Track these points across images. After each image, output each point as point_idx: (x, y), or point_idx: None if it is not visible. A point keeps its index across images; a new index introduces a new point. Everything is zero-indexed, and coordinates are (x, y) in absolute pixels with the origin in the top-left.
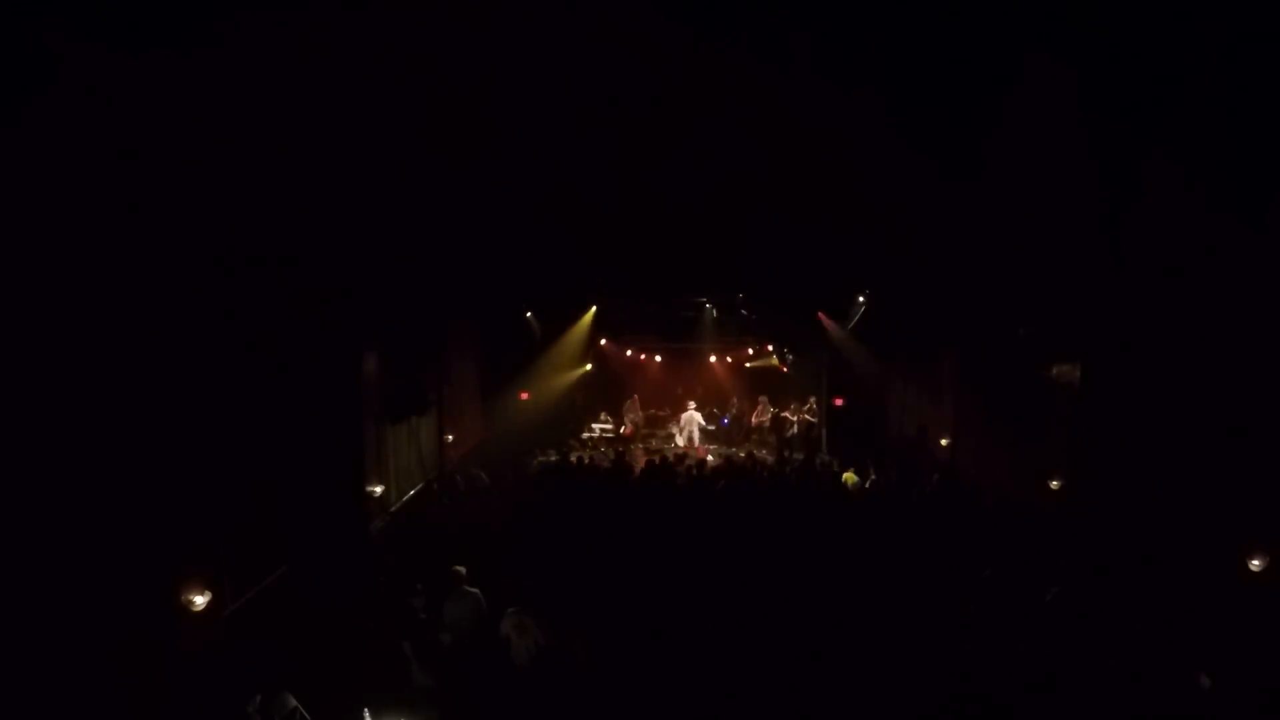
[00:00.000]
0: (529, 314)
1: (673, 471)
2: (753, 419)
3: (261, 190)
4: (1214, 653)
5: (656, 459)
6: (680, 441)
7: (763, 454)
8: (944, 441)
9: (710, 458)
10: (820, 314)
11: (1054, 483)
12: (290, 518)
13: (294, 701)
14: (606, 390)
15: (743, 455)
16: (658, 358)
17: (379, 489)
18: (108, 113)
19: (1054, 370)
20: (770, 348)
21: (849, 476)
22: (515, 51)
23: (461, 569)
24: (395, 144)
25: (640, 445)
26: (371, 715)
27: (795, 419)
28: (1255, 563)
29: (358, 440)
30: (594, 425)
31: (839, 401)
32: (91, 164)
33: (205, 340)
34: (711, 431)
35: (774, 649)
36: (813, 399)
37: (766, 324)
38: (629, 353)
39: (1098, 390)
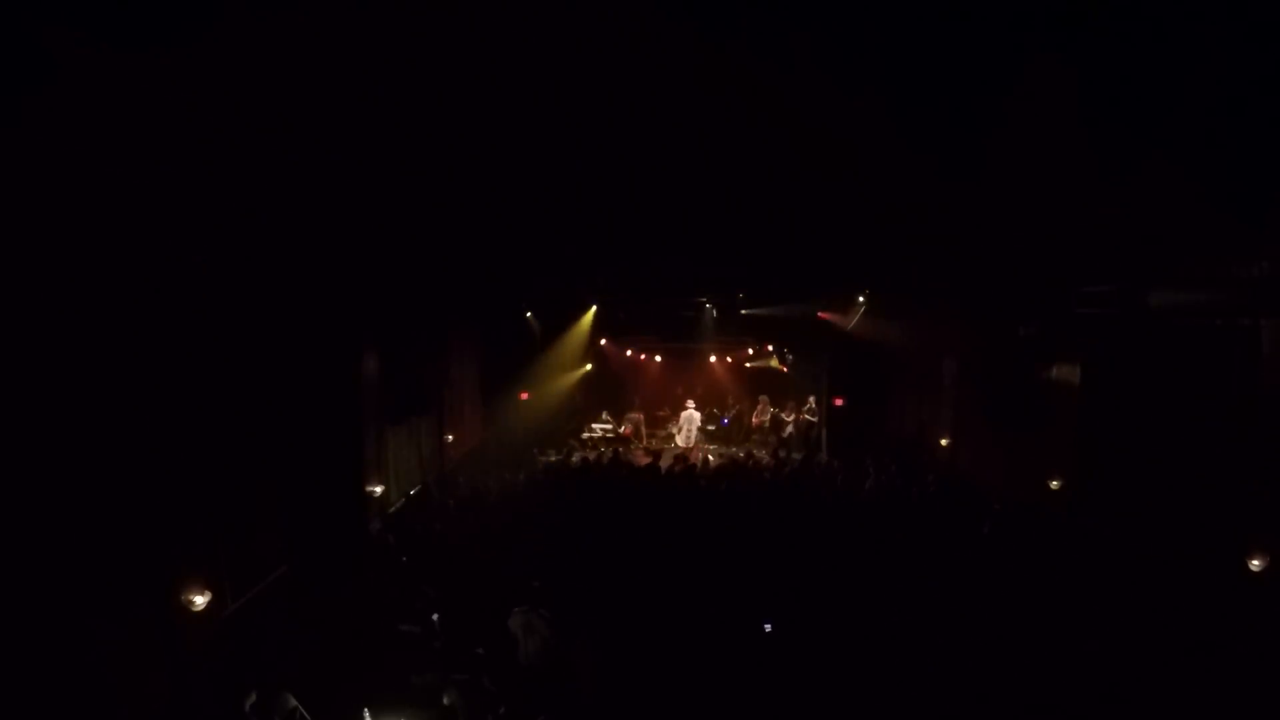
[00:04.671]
0: (529, 314)
1: (673, 472)
2: (753, 419)
3: (261, 190)
4: (1214, 652)
5: (658, 461)
6: (680, 441)
7: (762, 454)
8: (944, 441)
9: (710, 458)
10: (821, 314)
11: (1054, 483)
12: (290, 518)
13: (294, 701)
14: (606, 390)
15: (742, 455)
16: (658, 358)
17: (379, 489)
18: (108, 113)
19: (1054, 370)
20: (770, 348)
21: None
22: (515, 50)
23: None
24: (395, 143)
25: (640, 445)
26: (371, 715)
27: (794, 419)
28: (1255, 563)
29: (358, 440)
30: (594, 425)
31: (839, 401)
32: (92, 164)
33: (205, 340)
34: (711, 431)
35: (776, 648)
36: (812, 399)
37: (766, 324)
38: (629, 353)
39: (1098, 390)
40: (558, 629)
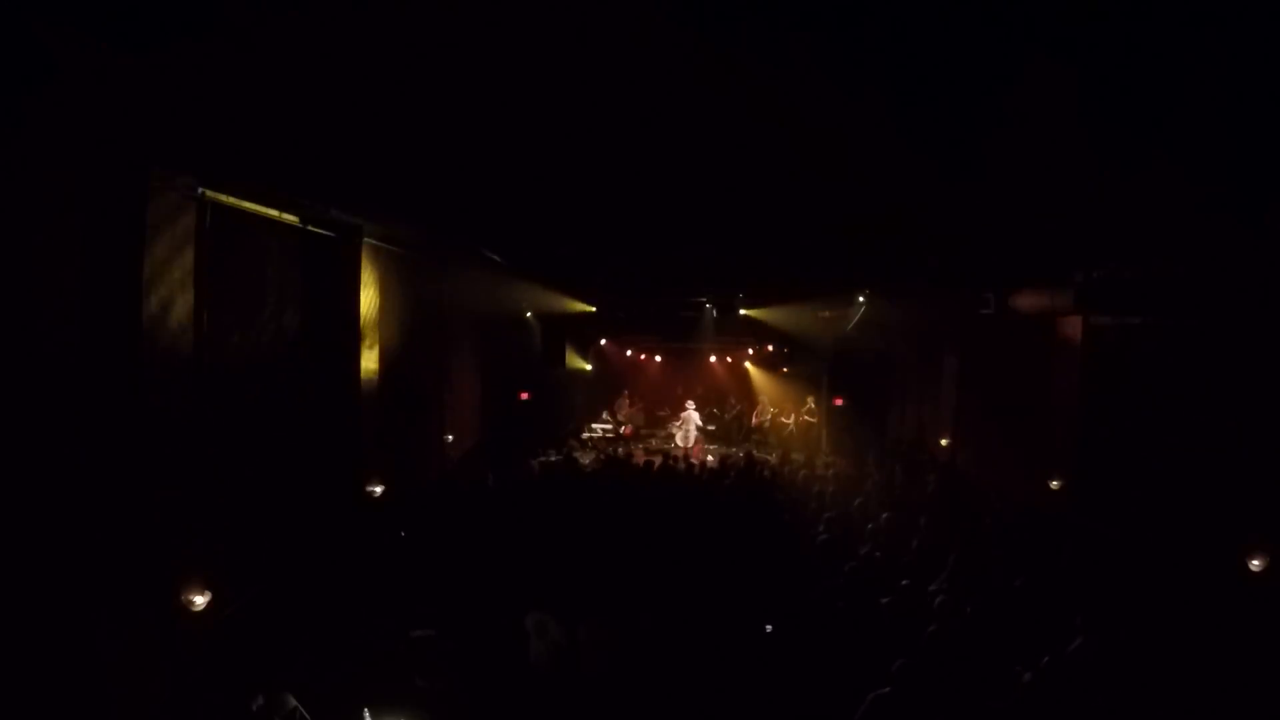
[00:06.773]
0: (529, 314)
1: (676, 472)
2: (753, 419)
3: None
4: (1214, 653)
5: (657, 460)
6: (680, 441)
7: (762, 454)
8: (944, 441)
9: (710, 458)
10: (821, 314)
11: (1054, 483)
12: (290, 518)
13: (294, 701)
14: (606, 390)
15: (742, 455)
16: (658, 358)
17: (379, 489)
18: (108, 112)
19: (1053, 368)
20: (770, 348)
21: None
22: (514, 48)
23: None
24: (395, 142)
25: (640, 445)
26: (371, 715)
27: (794, 419)
28: (1255, 563)
29: (358, 440)
30: (594, 425)
31: (839, 401)
32: (91, 163)
33: (204, 339)
34: (711, 431)
35: (782, 645)
36: (812, 399)
37: (766, 324)
38: (629, 353)
39: (1098, 389)
40: (568, 630)
